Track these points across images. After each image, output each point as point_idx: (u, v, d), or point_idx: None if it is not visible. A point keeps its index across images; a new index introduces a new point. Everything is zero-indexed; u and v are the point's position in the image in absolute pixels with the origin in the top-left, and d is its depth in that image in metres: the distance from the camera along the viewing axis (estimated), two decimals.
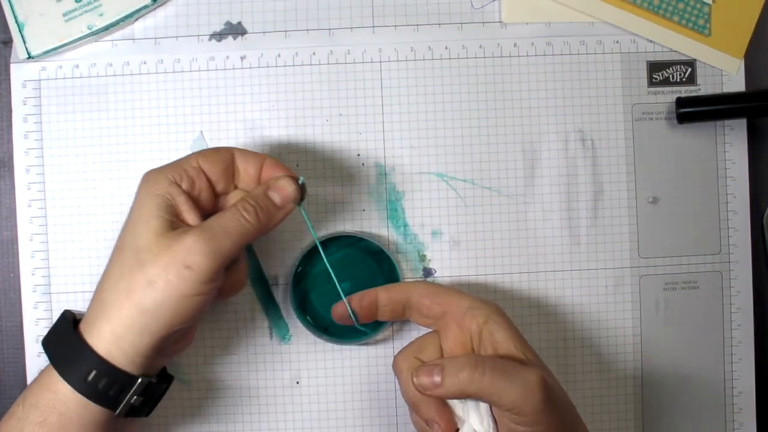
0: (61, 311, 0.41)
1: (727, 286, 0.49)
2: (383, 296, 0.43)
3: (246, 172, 0.41)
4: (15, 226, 0.48)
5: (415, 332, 0.47)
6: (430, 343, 0.42)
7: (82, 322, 0.38)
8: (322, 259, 0.44)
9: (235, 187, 0.41)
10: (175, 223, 0.38)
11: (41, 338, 0.39)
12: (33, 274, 0.47)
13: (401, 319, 0.45)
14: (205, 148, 0.42)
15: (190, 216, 0.38)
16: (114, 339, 0.36)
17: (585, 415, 0.48)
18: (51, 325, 0.40)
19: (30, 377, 0.47)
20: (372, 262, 0.47)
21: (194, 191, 0.39)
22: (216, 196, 0.41)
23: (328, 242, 0.46)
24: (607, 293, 0.49)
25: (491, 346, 0.40)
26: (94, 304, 0.38)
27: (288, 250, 0.48)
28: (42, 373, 0.38)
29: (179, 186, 0.38)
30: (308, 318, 0.46)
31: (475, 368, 0.38)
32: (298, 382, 0.48)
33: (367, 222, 0.48)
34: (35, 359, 0.47)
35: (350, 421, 0.48)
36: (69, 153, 0.47)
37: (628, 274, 0.49)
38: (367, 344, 0.48)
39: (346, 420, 0.48)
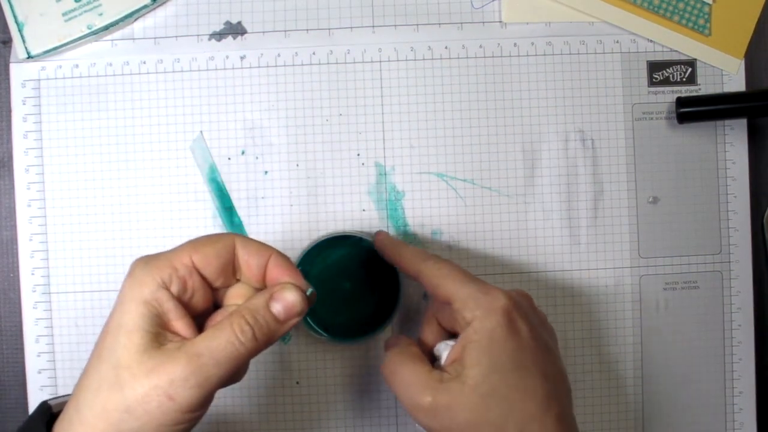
0: (39, 403, 0.36)
1: (727, 286, 0.49)
2: (406, 254, 0.42)
3: (248, 267, 0.36)
4: (14, 226, 0.47)
5: (415, 334, 0.47)
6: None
7: (57, 425, 0.34)
8: (323, 260, 0.44)
9: (237, 280, 0.36)
10: (161, 336, 0.33)
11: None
12: (32, 274, 0.47)
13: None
14: (209, 234, 0.36)
15: (179, 324, 0.34)
16: None
17: (585, 415, 0.48)
18: (29, 415, 0.36)
19: (30, 377, 0.47)
20: (374, 264, 0.47)
21: (185, 295, 0.34)
22: (213, 290, 0.36)
23: (330, 242, 0.46)
24: (607, 293, 0.49)
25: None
26: (69, 410, 0.34)
27: (287, 251, 0.47)
28: None
29: (168, 290, 0.34)
30: (308, 318, 0.46)
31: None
32: (298, 382, 0.48)
33: (367, 222, 0.48)
34: (35, 359, 0.47)
35: (350, 421, 0.48)
36: (68, 153, 0.47)
37: (628, 274, 0.49)
38: (366, 344, 0.48)
39: (346, 420, 0.48)
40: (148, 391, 0.32)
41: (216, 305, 0.36)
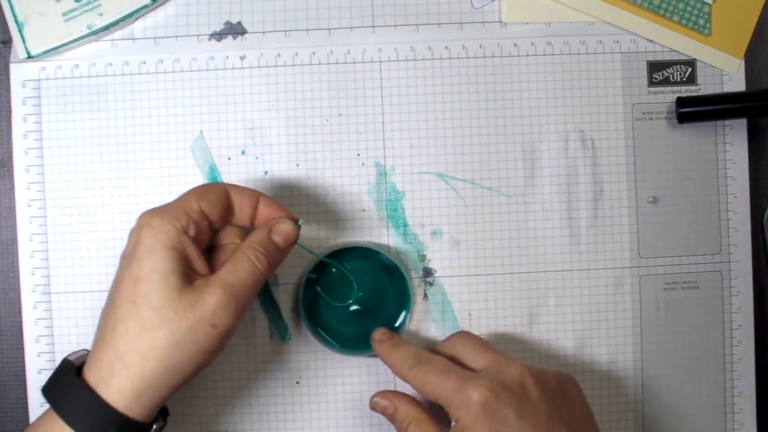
0: (61, 359, 0.39)
1: (727, 286, 0.49)
2: (396, 361, 0.43)
3: (241, 209, 0.41)
4: (14, 226, 0.47)
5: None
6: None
7: (91, 373, 0.37)
8: (335, 268, 0.45)
9: (227, 223, 0.41)
10: (189, 275, 0.37)
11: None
12: (32, 274, 0.47)
13: None
14: (202, 184, 0.41)
15: (199, 264, 0.38)
16: (135, 396, 0.36)
17: None
18: (52, 374, 0.38)
19: (30, 377, 0.47)
20: (384, 277, 0.47)
21: (198, 236, 0.39)
22: (212, 231, 0.41)
23: (343, 252, 0.46)
24: (607, 293, 0.49)
25: None
26: (106, 356, 0.37)
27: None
28: (44, 424, 0.37)
29: (188, 234, 0.38)
30: (319, 329, 0.46)
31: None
32: (298, 382, 0.48)
33: (367, 222, 0.48)
34: (35, 359, 0.47)
35: (350, 421, 0.48)
36: (68, 153, 0.47)
37: (628, 274, 0.49)
38: (374, 356, 0.47)
39: (345, 420, 0.48)
40: (194, 323, 0.36)
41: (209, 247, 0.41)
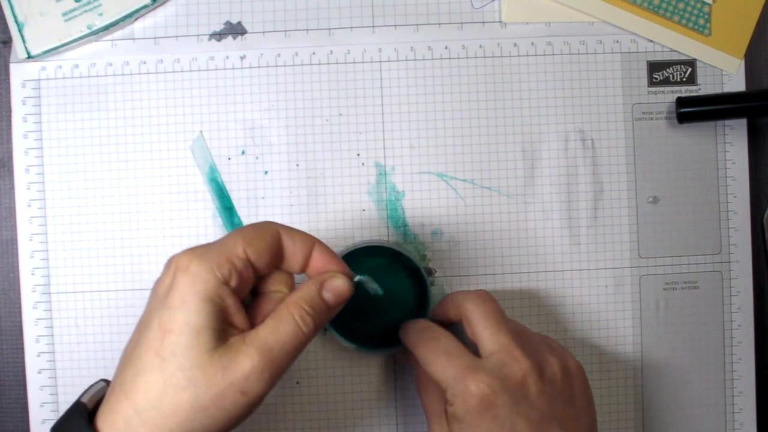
0: (73, 401, 0.36)
1: (727, 286, 0.49)
2: (408, 331, 0.43)
3: (293, 256, 0.37)
4: (14, 226, 0.48)
5: None
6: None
7: (106, 425, 0.33)
8: (358, 267, 0.44)
9: (277, 268, 0.37)
10: (225, 331, 0.34)
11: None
12: (32, 274, 0.47)
13: None
14: (244, 225, 0.37)
15: (238, 318, 0.34)
16: None
17: None
18: (63, 414, 0.35)
19: (30, 377, 0.47)
20: (406, 278, 0.46)
21: (241, 285, 0.35)
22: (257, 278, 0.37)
23: (366, 250, 0.46)
24: (607, 293, 0.49)
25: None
26: (123, 410, 0.33)
27: None
28: None
29: (229, 286, 0.34)
30: (334, 328, 0.46)
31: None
32: (298, 383, 0.48)
33: (367, 222, 0.48)
34: (35, 359, 0.47)
35: (350, 422, 0.48)
36: (68, 153, 0.47)
37: (628, 274, 0.49)
38: (393, 355, 0.47)
39: (346, 420, 0.48)
40: (223, 389, 0.33)
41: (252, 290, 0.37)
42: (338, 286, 0.37)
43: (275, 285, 0.37)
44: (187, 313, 0.33)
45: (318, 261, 0.37)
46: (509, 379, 0.38)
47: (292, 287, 0.37)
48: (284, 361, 0.34)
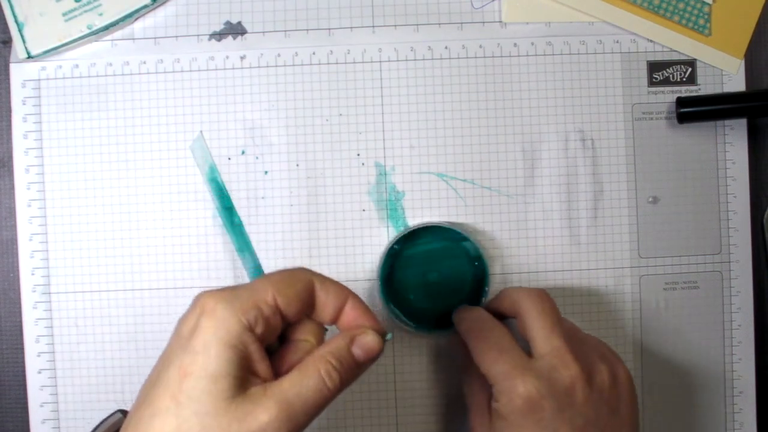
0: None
1: (727, 286, 0.49)
2: (463, 322, 0.44)
3: (324, 307, 0.35)
4: (14, 226, 0.47)
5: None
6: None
7: None
8: (417, 244, 0.46)
9: (307, 317, 0.36)
10: (246, 380, 0.32)
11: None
12: (33, 274, 0.47)
13: None
14: (277, 271, 0.35)
15: (261, 367, 0.33)
16: None
17: None
18: None
19: (30, 377, 0.47)
20: (465, 265, 0.47)
21: (267, 332, 0.33)
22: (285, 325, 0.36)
23: (429, 229, 0.47)
24: (607, 293, 0.49)
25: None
26: None
27: (287, 250, 0.47)
28: None
29: (253, 333, 0.33)
30: (393, 306, 0.46)
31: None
32: None
33: (367, 222, 0.48)
34: (35, 359, 0.47)
35: (350, 421, 0.48)
36: (68, 153, 0.47)
37: (628, 274, 0.49)
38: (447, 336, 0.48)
39: (346, 420, 0.48)
40: None
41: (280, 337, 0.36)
42: (369, 342, 0.35)
43: (304, 334, 0.35)
44: (208, 359, 0.32)
45: (350, 314, 0.36)
46: (558, 383, 0.38)
47: (321, 338, 0.36)
48: (304, 417, 0.32)
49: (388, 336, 0.36)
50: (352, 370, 0.34)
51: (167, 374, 0.32)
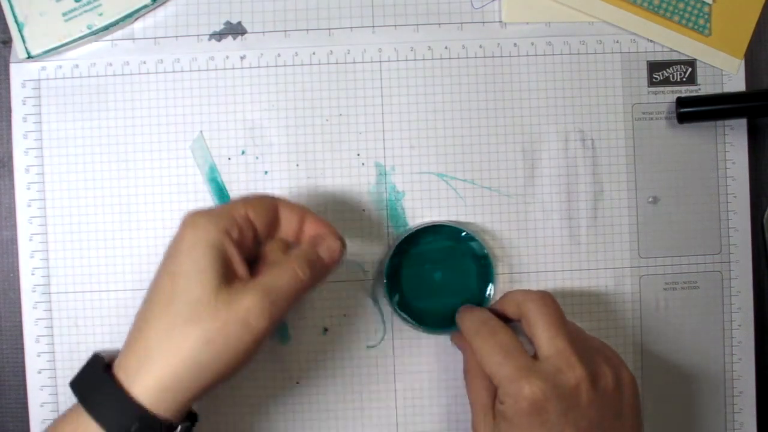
0: (91, 353, 0.39)
1: (727, 286, 0.49)
2: (466, 322, 0.44)
3: (288, 223, 0.40)
4: (14, 225, 0.48)
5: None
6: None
7: (119, 368, 0.36)
8: (423, 243, 0.47)
9: (273, 237, 0.40)
10: (228, 276, 0.36)
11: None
12: (32, 274, 0.47)
13: None
14: (250, 195, 0.40)
15: (240, 268, 0.37)
16: (160, 391, 0.35)
17: None
18: (81, 368, 0.38)
19: (30, 377, 0.47)
20: (471, 264, 0.47)
21: (241, 240, 0.38)
22: (257, 243, 0.40)
23: (437, 228, 0.47)
24: (607, 293, 0.49)
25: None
26: (136, 351, 0.36)
27: None
28: (72, 417, 0.37)
29: (230, 236, 0.37)
30: (399, 309, 0.47)
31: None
32: (298, 382, 0.48)
33: (367, 222, 0.48)
34: (35, 359, 0.47)
35: (350, 422, 0.48)
36: (68, 153, 0.47)
37: (628, 274, 0.49)
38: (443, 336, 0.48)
39: (346, 420, 0.48)
40: (226, 322, 0.35)
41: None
42: (331, 245, 0.40)
43: (273, 252, 0.39)
44: (193, 257, 0.36)
45: (310, 228, 0.40)
46: (563, 385, 0.39)
47: (287, 254, 0.39)
48: (283, 303, 0.37)
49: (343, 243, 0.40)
50: (320, 269, 0.39)
51: (158, 283, 0.37)
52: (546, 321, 0.40)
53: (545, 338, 0.40)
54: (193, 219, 0.37)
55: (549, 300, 0.42)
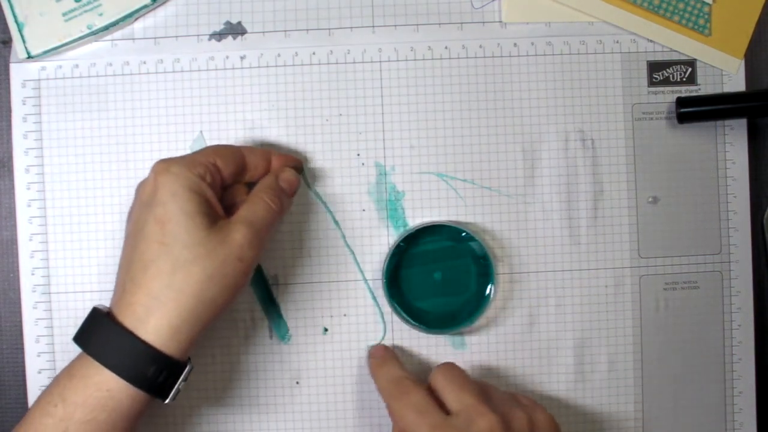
0: (90, 309, 0.40)
1: (727, 286, 0.49)
2: (381, 381, 0.45)
3: (256, 168, 0.43)
4: (14, 226, 0.47)
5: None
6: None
7: (123, 317, 0.38)
8: (424, 242, 0.47)
9: (237, 183, 0.43)
10: (211, 217, 0.39)
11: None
12: (33, 274, 0.47)
13: None
14: (218, 145, 0.43)
15: (219, 209, 0.40)
16: (172, 333, 0.37)
17: (585, 415, 0.48)
18: (82, 323, 0.40)
19: (30, 377, 0.47)
20: (471, 265, 0.47)
21: (213, 186, 0.41)
22: (222, 189, 0.42)
23: (437, 228, 0.47)
24: (607, 293, 0.49)
25: None
26: (141, 298, 0.38)
27: (288, 250, 0.48)
28: (80, 370, 0.38)
29: (205, 181, 0.40)
30: (400, 308, 0.47)
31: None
32: (298, 382, 0.48)
33: (367, 222, 0.48)
34: (35, 359, 0.47)
35: (350, 422, 0.48)
36: (68, 153, 0.47)
37: (628, 274, 0.49)
38: (461, 333, 0.48)
39: (345, 420, 0.48)
40: (224, 258, 0.38)
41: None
42: (288, 176, 0.44)
43: (239, 196, 0.43)
44: (179, 203, 0.38)
45: (276, 163, 0.44)
46: None
47: None
48: (265, 232, 0.40)
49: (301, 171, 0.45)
50: (284, 198, 0.43)
51: (146, 230, 0.38)
52: (450, 382, 0.42)
53: (452, 397, 0.41)
54: (166, 166, 0.39)
55: (451, 365, 0.44)
